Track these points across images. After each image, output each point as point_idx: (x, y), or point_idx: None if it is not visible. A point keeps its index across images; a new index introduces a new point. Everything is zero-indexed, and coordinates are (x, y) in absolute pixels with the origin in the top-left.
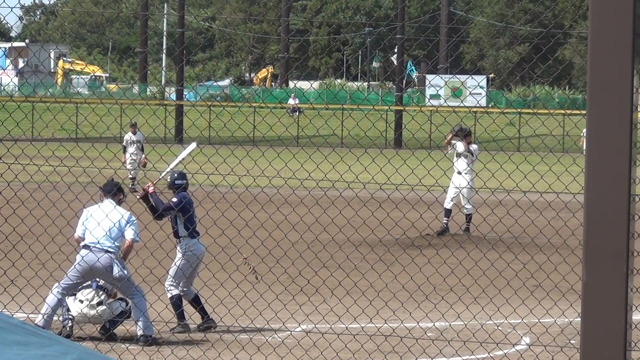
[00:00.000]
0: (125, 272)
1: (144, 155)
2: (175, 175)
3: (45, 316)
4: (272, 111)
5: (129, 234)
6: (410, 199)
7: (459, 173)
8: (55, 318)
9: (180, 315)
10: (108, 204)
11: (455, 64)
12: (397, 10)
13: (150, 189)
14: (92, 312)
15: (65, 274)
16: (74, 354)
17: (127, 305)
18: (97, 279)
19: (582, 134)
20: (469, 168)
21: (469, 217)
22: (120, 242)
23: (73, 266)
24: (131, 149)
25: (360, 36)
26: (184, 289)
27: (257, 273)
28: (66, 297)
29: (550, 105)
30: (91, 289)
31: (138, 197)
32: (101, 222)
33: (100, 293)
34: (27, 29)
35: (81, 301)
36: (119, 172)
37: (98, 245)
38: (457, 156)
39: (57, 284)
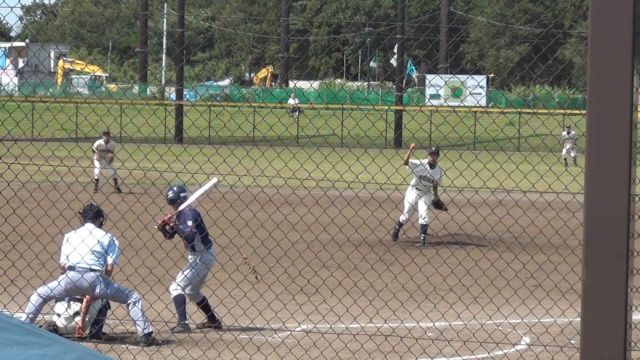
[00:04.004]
0: (109, 290)
1: (112, 154)
2: (175, 189)
3: (30, 315)
4: (272, 111)
5: (110, 258)
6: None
7: (417, 189)
8: (39, 317)
9: (181, 315)
10: (88, 227)
11: (455, 64)
12: (397, 10)
13: (171, 223)
14: (71, 323)
15: (44, 284)
16: (74, 353)
17: (103, 300)
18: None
19: (562, 134)
20: (426, 189)
21: (424, 229)
22: (104, 260)
23: (57, 282)
24: (98, 155)
25: (360, 36)
26: (191, 293)
27: (257, 273)
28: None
29: (550, 105)
30: (64, 302)
31: (156, 227)
32: (85, 241)
33: (74, 305)
34: (27, 29)
35: (58, 315)
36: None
37: (82, 264)
38: (418, 176)
39: (42, 286)
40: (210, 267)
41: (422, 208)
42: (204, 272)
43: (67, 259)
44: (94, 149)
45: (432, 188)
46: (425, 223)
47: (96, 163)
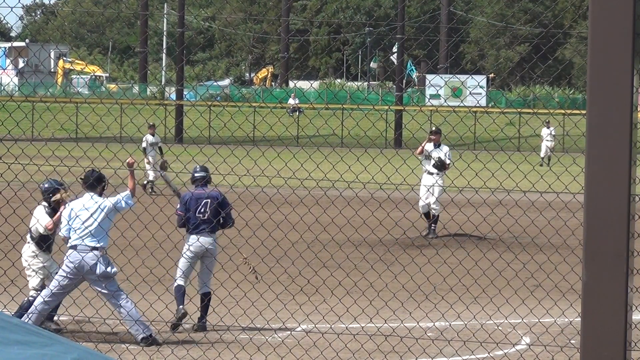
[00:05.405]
0: (109, 269)
1: (162, 159)
2: (201, 168)
3: (31, 316)
4: (272, 111)
5: (122, 205)
6: (410, 199)
7: (429, 173)
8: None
9: (178, 302)
10: (89, 198)
11: (455, 63)
12: (397, 10)
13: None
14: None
15: (53, 277)
16: (74, 353)
17: (36, 297)
18: None
19: (541, 134)
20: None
21: (435, 218)
22: (105, 239)
23: (60, 268)
24: (150, 151)
25: (360, 36)
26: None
27: (257, 273)
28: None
29: (550, 105)
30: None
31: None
32: (85, 221)
33: None
34: (27, 29)
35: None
36: (118, 172)
37: (83, 244)
38: (425, 157)
39: (47, 289)
40: (194, 250)
41: (438, 195)
42: (194, 259)
43: (68, 235)
44: (144, 147)
45: (442, 168)
46: (436, 213)
47: (150, 159)
